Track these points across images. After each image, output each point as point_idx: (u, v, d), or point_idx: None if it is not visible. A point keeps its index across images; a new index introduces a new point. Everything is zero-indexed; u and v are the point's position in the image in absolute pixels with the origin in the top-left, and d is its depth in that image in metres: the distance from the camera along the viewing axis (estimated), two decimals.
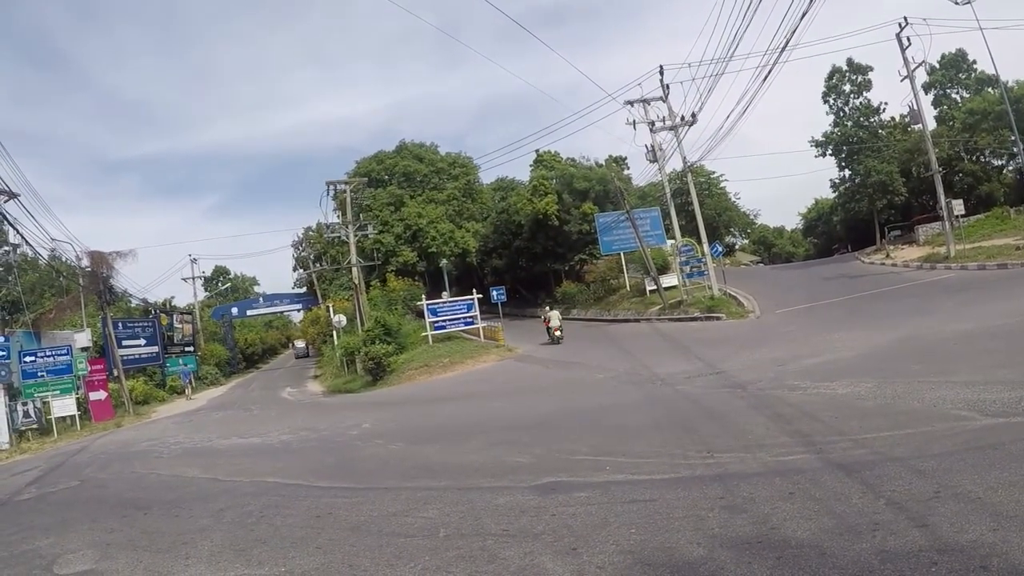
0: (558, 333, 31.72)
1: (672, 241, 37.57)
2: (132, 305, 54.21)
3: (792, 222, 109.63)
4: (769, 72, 25.74)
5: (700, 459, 7.96)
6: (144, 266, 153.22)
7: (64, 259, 41.53)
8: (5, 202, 31.58)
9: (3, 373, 28.80)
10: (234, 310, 72.85)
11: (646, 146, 36.13)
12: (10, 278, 44.65)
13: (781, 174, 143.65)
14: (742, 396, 11.69)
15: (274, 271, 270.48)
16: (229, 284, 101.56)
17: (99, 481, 14.09)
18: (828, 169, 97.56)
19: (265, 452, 14.97)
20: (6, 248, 34.27)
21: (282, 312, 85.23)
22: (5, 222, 30.46)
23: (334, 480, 10.36)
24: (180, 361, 50.61)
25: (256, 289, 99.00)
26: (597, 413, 13.04)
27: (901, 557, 4.35)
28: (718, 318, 29.59)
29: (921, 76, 41.12)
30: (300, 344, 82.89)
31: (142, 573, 6.85)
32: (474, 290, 38.08)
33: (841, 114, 58.43)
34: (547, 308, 36.19)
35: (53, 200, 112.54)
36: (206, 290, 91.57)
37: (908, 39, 35.35)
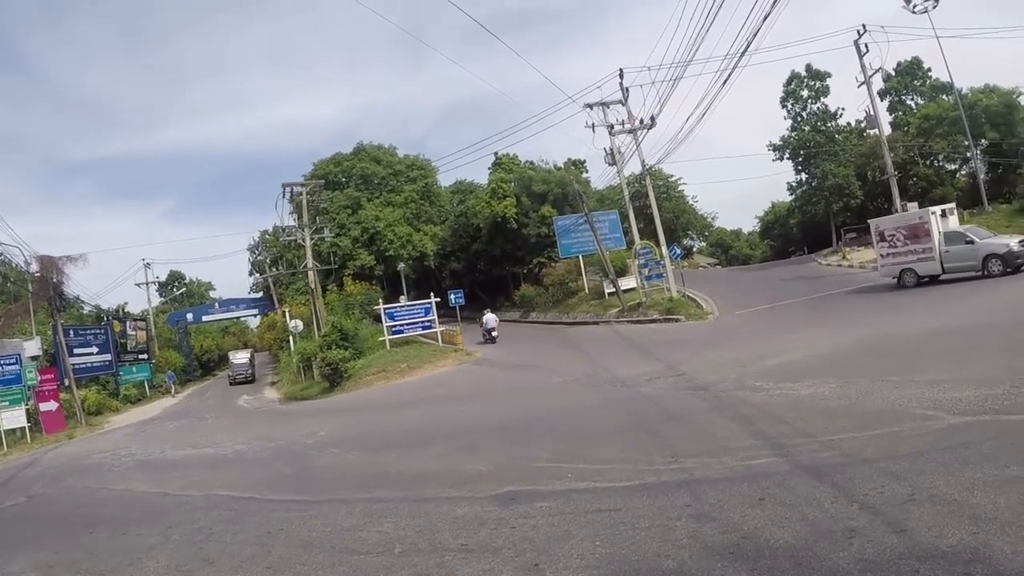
0: (495, 333, 35.27)
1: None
2: (84, 312, 53.23)
3: (749, 225, 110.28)
4: (729, 75, 25.83)
5: (665, 464, 7.71)
6: (98, 271, 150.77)
7: (14, 264, 40.39)
8: None
9: None
10: (189, 316, 71.42)
11: (605, 149, 36.28)
12: None
13: (738, 177, 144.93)
14: (704, 398, 11.50)
15: (230, 276, 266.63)
16: (184, 289, 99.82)
17: (48, 497, 13.75)
18: (785, 172, 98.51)
19: (218, 463, 14.59)
20: None
21: (239, 317, 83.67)
22: None
23: (288, 492, 10.01)
24: (133, 369, 50.12)
25: (212, 294, 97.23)
26: (557, 417, 12.79)
27: (881, 566, 4.14)
28: (677, 320, 29.66)
29: (878, 83, 41.55)
30: (241, 357, 57.44)
31: None
32: (432, 294, 37.59)
33: (799, 119, 59.01)
34: (486, 312, 38.51)
35: (2, 202, 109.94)
36: (161, 296, 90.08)
37: (866, 46, 35.87)
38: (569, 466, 8.40)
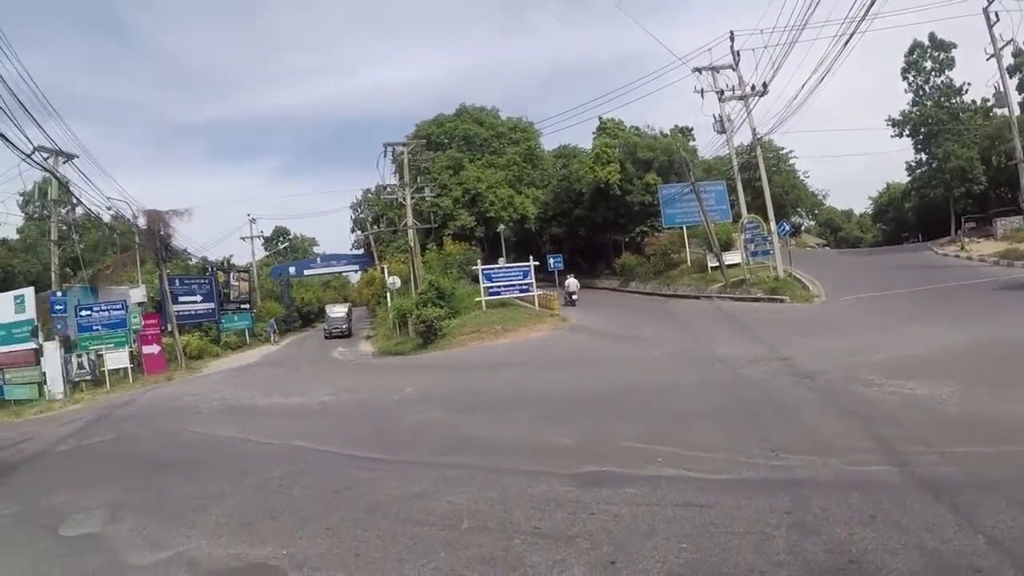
0: (575, 296, 37.78)
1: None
2: (191, 263, 55.19)
3: (860, 206, 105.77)
4: (850, 38, 24.36)
5: (764, 459, 7.17)
6: (206, 226, 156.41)
7: (125, 218, 42.07)
8: (64, 163, 32.61)
9: (59, 326, 29.63)
10: (291, 269, 73.19)
11: (714, 116, 34.85)
12: (74, 236, 45.78)
13: (852, 152, 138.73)
14: (810, 387, 10.85)
15: (334, 232, 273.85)
16: (287, 244, 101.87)
17: (134, 436, 14.22)
18: (903, 151, 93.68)
19: (303, 413, 14.81)
20: (68, 208, 34.94)
21: (340, 272, 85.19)
22: (55, 179, 30.93)
23: (364, 449, 9.97)
24: (235, 318, 52.19)
25: (316, 250, 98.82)
26: (651, 393, 12.29)
27: None
28: (781, 300, 28.50)
29: (1006, 58, 38.43)
30: (338, 311, 56.38)
31: (141, 542, 6.65)
32: (531, 257, 37.26)
33: (921, 93, 55.59)
34: (568, 276, 41.21)
35: (121, 162, 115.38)
36: (266, 250, 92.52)
37: (996, 14, 33.10)
38: (660, 448, 7.96)
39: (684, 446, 7.97)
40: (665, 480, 6.78)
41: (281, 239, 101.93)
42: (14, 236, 60.63)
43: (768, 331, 20.09)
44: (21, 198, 53.20)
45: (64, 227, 34.78)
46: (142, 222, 39.14)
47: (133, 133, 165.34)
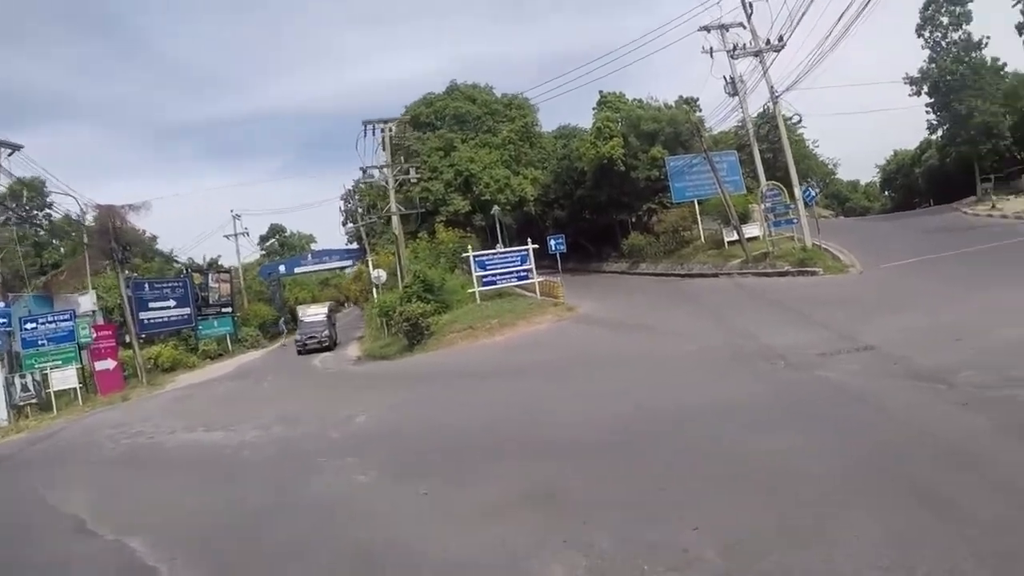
0: None
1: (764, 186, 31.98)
2: (177, 265, 52.41)
3: (864, 176, 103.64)
4: None
5: None
6: (198, 227, 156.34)
7: (73, 216, 38.46)
8: (9, 155, 29.58)
9: (1, 342, 26.40)
10: (281, 268, 69.01)
11: (724, 78, 31.24)
12: (53, 241, 42.43)
13: (855, 111, 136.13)
14: (963, 402, 6.83)
15: (333, 228, 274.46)
16: (275, 241, 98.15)
17: None
18: (908, 109, 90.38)
19: (204, 464, 11.42)
20: (46, 212, 31.89)
21: (336, 269, 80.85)
22: None
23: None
24: (215, 323, 47.95)
25: (314, 247, 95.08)
26: (709, 424, 8.22)
27: None
28: (813, 273, 25.20)
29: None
30: (314, 315, 41.31)
31: None
32: (529, 240, 33.58)
33: (938, 49, 52.25)
34: None
35: (114, 165, 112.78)
36: (261, 248, 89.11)
37: None
38: None
39: None
40: None
41: (277, 237, 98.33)
42: None
43: (817, 310, 16.48)
44: None
45: (42, 232, 31.46)
46: (91, 219, 35.63)
47: (123, 135, 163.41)
